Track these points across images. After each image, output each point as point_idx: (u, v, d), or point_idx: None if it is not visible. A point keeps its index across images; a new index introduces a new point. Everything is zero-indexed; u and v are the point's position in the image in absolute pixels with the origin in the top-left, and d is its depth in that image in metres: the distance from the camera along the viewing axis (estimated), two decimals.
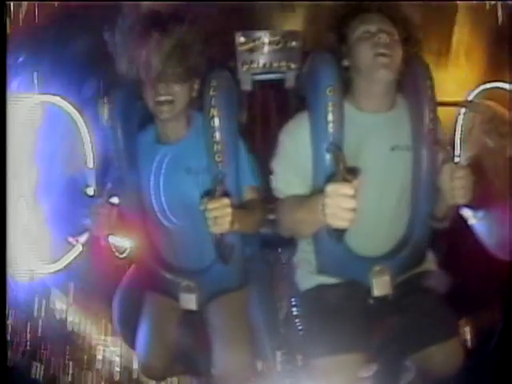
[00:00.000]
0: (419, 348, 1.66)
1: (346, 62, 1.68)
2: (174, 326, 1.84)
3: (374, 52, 1.59)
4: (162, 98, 1.68)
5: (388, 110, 1.70)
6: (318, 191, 1.44)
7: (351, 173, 1.32)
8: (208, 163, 1.73)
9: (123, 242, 1.84)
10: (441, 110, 1.71)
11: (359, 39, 1.64)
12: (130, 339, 1.84)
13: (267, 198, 1.80)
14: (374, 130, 1.66)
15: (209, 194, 1.52)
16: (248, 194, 1.80)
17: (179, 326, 1.84)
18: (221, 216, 1.48)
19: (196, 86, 1.77)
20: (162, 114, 1.71)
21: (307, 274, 1.78)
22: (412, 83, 1.68)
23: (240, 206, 1.68)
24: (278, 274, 2.09)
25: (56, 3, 1.64)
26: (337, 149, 1.52)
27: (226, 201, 1.49)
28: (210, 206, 1.48)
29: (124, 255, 1.83)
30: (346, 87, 1.67)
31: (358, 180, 1.30)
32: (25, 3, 1.46)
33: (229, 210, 1.49)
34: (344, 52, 1.68)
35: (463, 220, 2.10)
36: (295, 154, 1.67)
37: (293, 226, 1.65)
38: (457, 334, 1.68)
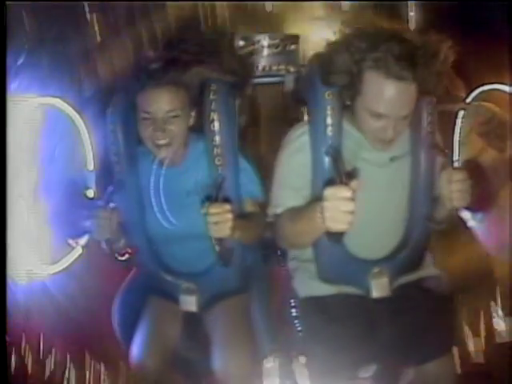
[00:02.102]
0: (416, 362, 1.66)
1: (347, 102, 1.58)
2: (174, 329, 1.84)
3: (378, 136, 1.55)
4: (161, 142, 1.68)
5: None
6: (316, 196, 1.44)
7: (349, 176, 1.32)
8: (208, 167, 1.74)
9: (123, 244, 1.84)
10: (439, 113, 1.71)
11: (368, 116, 1.53)
12: (129, 342, 1.84)
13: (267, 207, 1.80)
14: (372, 148, 1.66)
15: (209, 198, 1.53)
16: (249, 206, 1.81)
17: (179, 329, 1.84)
18: (222, 221, 1.49)
19: (193, 114, 1.76)
20: (161, 155, 1.72)
21: (306, 280, 1.78)
22: None
23: (241, 216, 1.69)
24: (278, 277, 2.09)
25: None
26: (335, 152, 1.52)
27: (227, 206, 1.50)
28: (212, 210, 1.49)
29: (124, 258, 1.83)
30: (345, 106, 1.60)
31: (356, 182, 1.30)
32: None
33: (230, 215, 1.49)
34: (347, 97, 1.56)
35: (463, 222, 2.10)
36: (298, 165, 1.65)
37: (293, 237, 1.64)
38: (454, 346, 1.68)
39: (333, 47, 1.56)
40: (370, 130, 1.56)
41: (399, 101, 1.48)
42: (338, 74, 1.52)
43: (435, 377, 1.64)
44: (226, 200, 1.54)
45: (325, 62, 1.57)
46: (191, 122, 1.76)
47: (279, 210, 1.66)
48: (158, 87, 1.67)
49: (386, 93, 1.47)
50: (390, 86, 1.46)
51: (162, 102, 1.67)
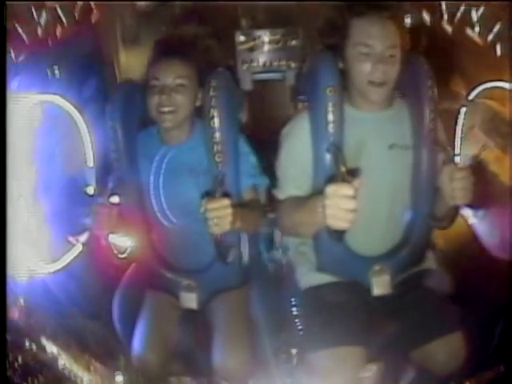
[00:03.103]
0: (420, 344, 1.66)
1: (340, 65, 1.64)
2: (174, 323, 1.84)
3: (369, 79, 1.58)
4: (166, 109, 1.71)
5: (386, 108, 1.70)
6: (317, 192, 1.44)
7: (351, 174, 1.32)
8: (208, 164, 1.74)
9: (123, 242, 1.84)
10: (441, 110, 1.71)
11: (357, 57, 1.59)
12: (130, 338, 1.84)
13: (268, 198, 1.81)
14: (372, 128, 1.66)
15: (209, 195, 1.52)
16: (249, 195, 1.81)
17: (179, 324, 1.84)
18: (221, 216, 1.49)
19: (200, 95, 1.77)
20: (165, 123, 1.73)
21: (307, 272, 1.78)
22: (412, 83, 1.67)
23: (240, 205, 1.68)
24: (278, 274, 2.09)
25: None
26: (337, 149, 1.52)
27: (226, 201, 1.49)
28: (210, 206, 1.48)
29: (124, 255, 1.83)
30: (343, 85, 1.64)
31: (357, 181, 1.30)
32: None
33: (229, 210, 1.49)
34: (339, 55, 1.64)
35: (463, 219, 2.10)
36: (296, 154, 1.67)
37: (293, 227, 1.65)
38: (457, 328, 1.66)
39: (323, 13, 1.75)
40: (362, 76, 1.59)
41: (383, 32, 1.57)
42: (328, 26, 1.68)
43: (439, 357, 1.63)
44: (225, 194, 1.54)
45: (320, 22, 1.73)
46: (198, 102, 1.77)
47: (282, 196, 1.67)
48: (169, 57, 1.75)
49: (370, 26, 1.58)
50: (373, 21, 1.58)
51: (170, 70, 1.73)
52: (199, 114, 1.78)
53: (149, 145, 1.83)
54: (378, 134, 1.67)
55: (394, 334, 1.66)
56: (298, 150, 1.67)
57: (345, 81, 1.65)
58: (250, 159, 1.82)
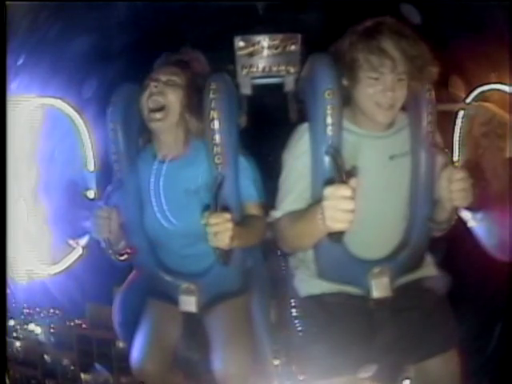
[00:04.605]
0: (416, 360, 1.67)
1: (344, 82, 1.62)
2: (174, 332, 1.84)
3: (377, 102, 1.57)
4: (154, 98, 1.72)
5: (388, 128, 1.69)
6: (317, 198, 1.44)
7: (349, 174, 1.32)
8: (208, 166, 1.74)
9: (123, 245, 1.84)
10: (439, 113, 1.71)
11: (365, 81, 1.57)
12: (130, 341, 1.84)
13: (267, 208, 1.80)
14: (372, 144, 1.66)
15: (209, 209, 1.52)
16: (249, 210, 1.81)
17: (179, 332, 1.84)
18: (221, 231, 1.49)
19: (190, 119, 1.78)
20: (155, 123, 1.73)
21: (306, 278, 1.78)
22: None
23: (241, 221, 1.69)
24: (278, 277, 2.09)
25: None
26: (335, 151, 1.52)
27: (227, 216, 1.50)
28: (211, 221, 1.49)
29: (124, 258, 1.82)
30: (344, 100, 1.62)
31: (355, 180, 1.30)
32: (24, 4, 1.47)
33: (229, 225, 1.49)
34: (344, 74, 1.61)
35: (463, 222, 2.10)
36: (301, 168, 1.65)
37: (294, 240, 1.64)
38: (454, 345, 1.66)
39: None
40: (371, 98, 1.57)
41: (391, 56, 1.53)
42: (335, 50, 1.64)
43: (436, 374, 1.64)
44: (226, 208, 1.54)
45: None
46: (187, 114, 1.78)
47: (279, 214, 1.66)
48: (167, 62, 1.82)
49: (379, 50, 1.54)
50: (381, 45, 1.54)
51: (165, 68, 1.79)
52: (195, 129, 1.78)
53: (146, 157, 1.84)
54: (377, 149, 1.66)
55: (391, 346, 1.65)
56: (301, 164, 1.66)
57: (347, 95, 1.62)
58: (249, 175, 1.82)
